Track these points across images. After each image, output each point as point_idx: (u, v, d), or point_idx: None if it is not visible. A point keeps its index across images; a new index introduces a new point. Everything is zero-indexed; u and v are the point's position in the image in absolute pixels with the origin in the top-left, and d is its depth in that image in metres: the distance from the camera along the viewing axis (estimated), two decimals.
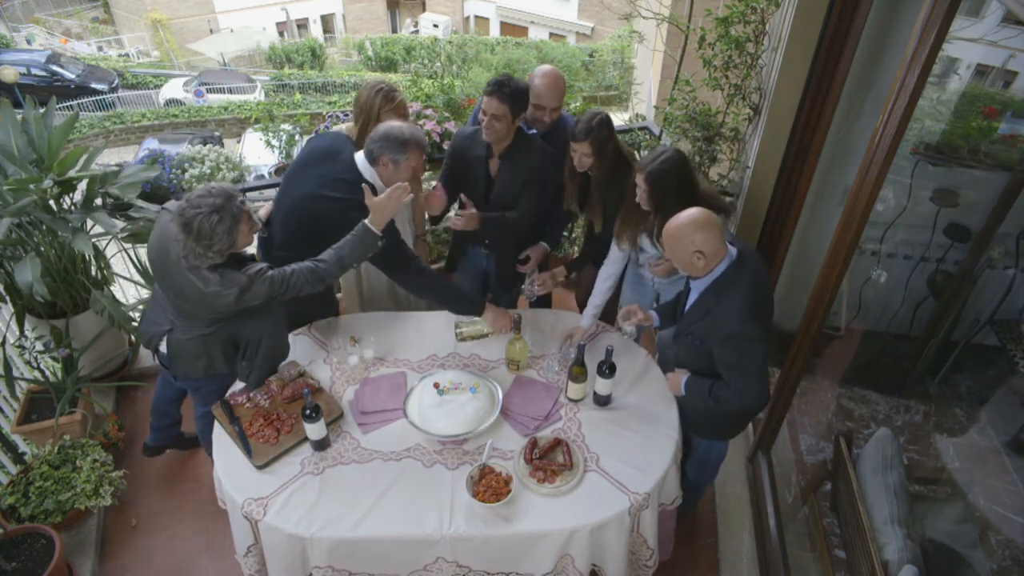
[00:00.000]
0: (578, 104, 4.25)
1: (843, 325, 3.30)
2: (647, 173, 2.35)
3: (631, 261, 2.88)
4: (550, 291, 2.99)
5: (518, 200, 2.82)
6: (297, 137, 3.90)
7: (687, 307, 2.29)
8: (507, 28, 23.04)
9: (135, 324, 3.19)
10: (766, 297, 2.16)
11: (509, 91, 2.53)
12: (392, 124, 2.47)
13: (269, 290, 2.24)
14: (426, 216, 3.31)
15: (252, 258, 2.36)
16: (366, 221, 2.37)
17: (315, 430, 2.23)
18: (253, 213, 2.25)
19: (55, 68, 15.79)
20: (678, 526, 2.68)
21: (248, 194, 3.62)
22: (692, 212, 2.06)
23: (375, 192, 2.50)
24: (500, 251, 3.02)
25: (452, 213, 2.92)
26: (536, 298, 2.96)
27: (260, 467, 2.23)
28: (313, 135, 3.01)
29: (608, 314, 2.94)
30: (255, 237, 2.33)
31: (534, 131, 2.89)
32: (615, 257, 2.76)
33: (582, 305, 3.63)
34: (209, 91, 15.85)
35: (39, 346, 3.13)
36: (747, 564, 2.67)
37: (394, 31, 24.93)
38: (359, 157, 2.49)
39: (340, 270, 2.39)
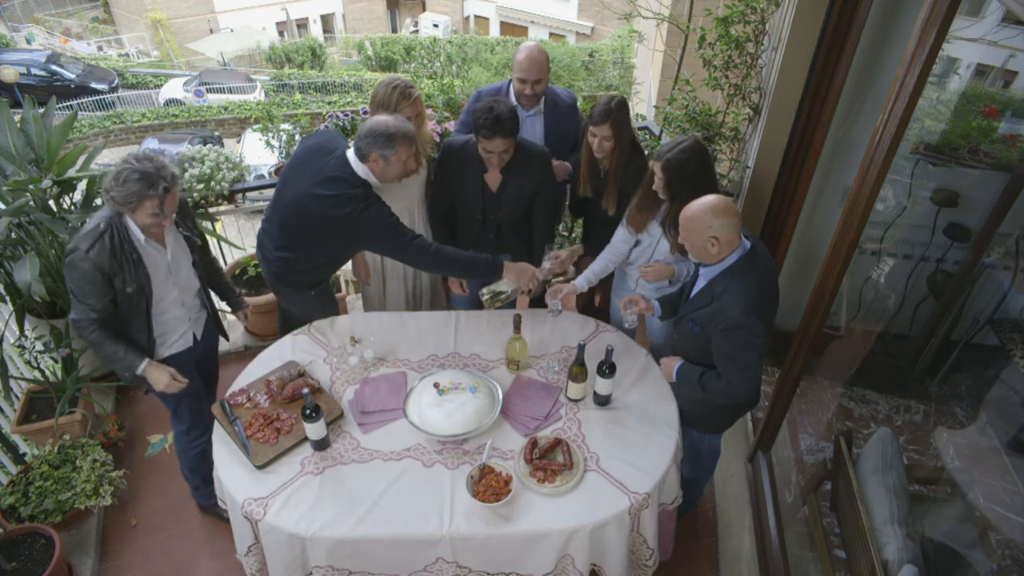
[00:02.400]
0: (578, 104, 4.24)
1: (843, 325, 3.30)
2: (664, 161, 2.35)
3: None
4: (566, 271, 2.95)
5: (529, 206, 2.84)
6: (297, 137, 3.89)
7: (692, 293, 2.29)
8: (507, 28, 23.04)
9: None
10: (773, 294, 2.16)
11: (511, 126, 2.50)
12: (378, 119, 2.44)
13: (68, 276, 2.24)
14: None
15: (139, 262, 2.33)
16: (142, 366, 2.38)
17: (315, 430, 2.23)
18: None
19: (55, 68, 15.80)
20: (678, 526, 2.68)
21: (248, 194, 3.62)
22: (712, 198, 2.06)
23: (371, 188, 2.49)
24: (514, 255, 3.00)
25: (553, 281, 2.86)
26: (552, 277, 2.89)
27: (260, 467, 2.23)
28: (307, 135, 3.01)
29: (600, 314, 2.93)
30: (160, 223, 2.28)
31: (531, 113, 2.93)
32: (621, 237, 2.75)
33: (581, 307, 3.64)
34: (209, 91, 15.85)
35: (39, 346, 3.13)
36: (747, 564, 2.66)
37: (394, 31, 24.93)
38: (351, 154, 2.47)
39: (98, 349, 2.37)
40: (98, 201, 3.16)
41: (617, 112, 2.59)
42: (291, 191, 2.54)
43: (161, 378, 2.41)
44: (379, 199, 2.51)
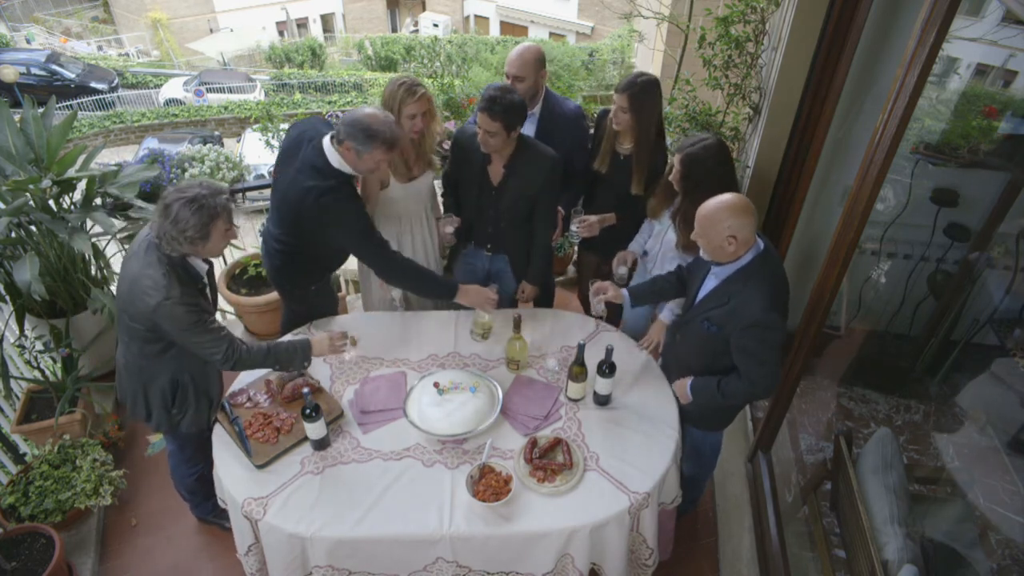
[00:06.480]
0: (578, 103, 4.24)
1: (843, 325, 3.29)
2: (684, 155, 2.36)
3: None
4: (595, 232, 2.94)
5: (533, 208, 2.81)
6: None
7: (702, 293, 2.27)
8: (507, 27, 23.03)
9: None
10: (786, 288, 2.17)
11: (501, 108, 2.47)
12: (366, 111, 2.37)
13: (185, 318, 2.08)
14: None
15: (204, 292, 2.26)
16: (311, 339, 2.42)
17: (315, 430, 2.23)
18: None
19: (55, 67, 15.79)
20: (678, 526, 2.68)
21: (248, 193, 3.62)
22: (729, 196, 2.06)
23: (347, 179, 2.47)
24: (512, 254, 3.00)
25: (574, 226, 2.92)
26: (581, 239, 2.97)
27: (260, 467, 2.23)
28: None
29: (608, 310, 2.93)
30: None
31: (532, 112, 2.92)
32: (646, 229, 2.85)
33: (584, 303, 3.64)
34: (209, 91, 15.85)
35: (39, 345, 3.13)
36: (747, 564, 2.66)
37: (394, 30, 24.92)
38: (327, 141, 2.43)
39: (261, 363, 2.31)
40: (97, 201, 3.16)
41: (640, 89, 2.61)
42: (283, 179, 2.57)
43: (324, 343, 2.42)
44: (351, 196, 2.50)
